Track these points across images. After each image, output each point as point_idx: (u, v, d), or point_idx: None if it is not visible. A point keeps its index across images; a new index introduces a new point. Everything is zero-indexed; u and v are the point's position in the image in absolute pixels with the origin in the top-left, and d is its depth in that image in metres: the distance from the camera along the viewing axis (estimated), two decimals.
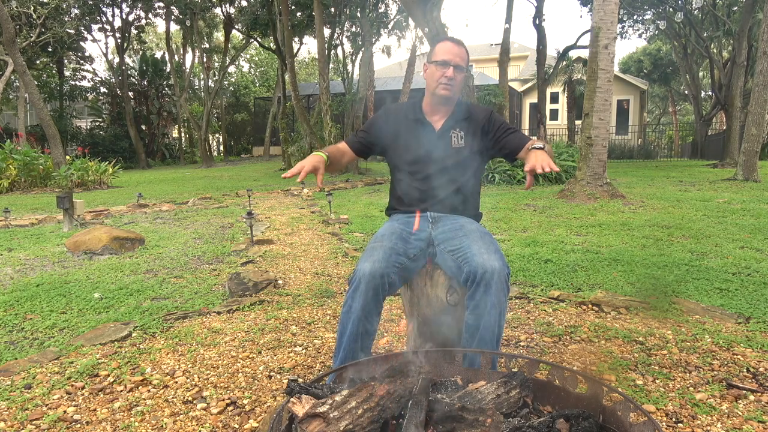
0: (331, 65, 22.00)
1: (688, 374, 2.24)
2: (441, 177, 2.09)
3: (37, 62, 24.31)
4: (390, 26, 21.24)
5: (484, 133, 2.11)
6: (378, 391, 1.23)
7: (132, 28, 26.00)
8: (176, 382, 2.28)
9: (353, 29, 21.36)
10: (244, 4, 22.69)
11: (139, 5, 24.31)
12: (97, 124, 28.32)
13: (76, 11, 23.08)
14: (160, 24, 41.40)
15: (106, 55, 26.46)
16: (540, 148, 1.81)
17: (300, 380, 1.62)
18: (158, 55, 30.33)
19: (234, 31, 24.87)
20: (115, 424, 1.95)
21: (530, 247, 4.73)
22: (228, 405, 2.08)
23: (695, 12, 19.29)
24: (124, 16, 24.78)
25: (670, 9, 19.01)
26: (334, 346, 1.97)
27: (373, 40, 18.39)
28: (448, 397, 1.35)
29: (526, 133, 23.92)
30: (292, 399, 1.24)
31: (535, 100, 22.42)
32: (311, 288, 3.71)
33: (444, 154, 2.08)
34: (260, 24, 21.19)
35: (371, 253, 1.87)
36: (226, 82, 33.23)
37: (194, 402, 2.11)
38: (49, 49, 23.53)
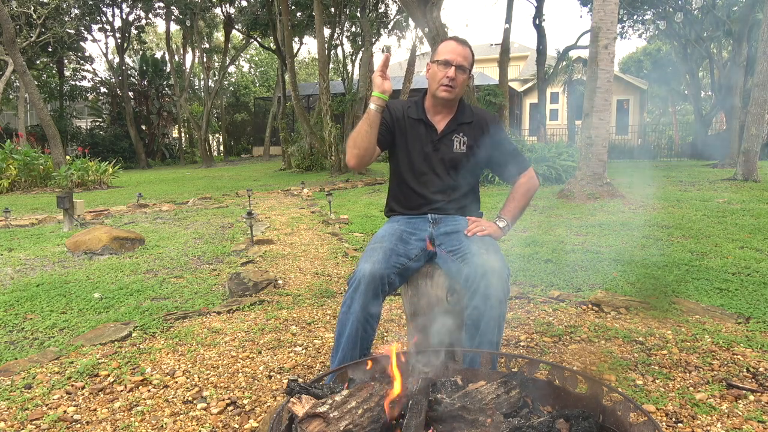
0: (331, 65, 22.01)
1: (688, 374, 2.24)
2: (441, 179, 2.08)
3: (37, 62, 24.30)
4: (390, 26, 21.26)
5: (485, 144, 2.10)
6: (378, 391, 1.23)
7: (132, 28, 26.01)
8: (176, 382, 2.28)
9: (353, 29, 21.37)
10: (244, 4, 22.71)
11: (139, 5, 24.30)
12: (97, 124, 28.33)
13: (76, 11, 23.07)
14: (160, 24, 41.42)
15: (106, 55, 26.48)
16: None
17: (300, 380, 1.62)
18: (158, 55, 30.35)
19: (234, 31, 24.87)
20: (115, 424, 1.95)
21: (530, 247, 4.73)
22: (228, 405, 2.08)
23: (695, 12, 19.28)
24: (124, 16, 24.80)
25: (670, 9, 19.01)
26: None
27: (373, 40, 18.40)
28: (448, 397, 1.35)
29: (526, 133, 23.90)
30: (292, 399, 1.25)
31: (535, 100, 22.44)
32: (311, 288, 3.71)
33: (444, 157, 2.07)
34: (260, 24, 21.20)
35: (371, 254, 1.87)
36: (226, 82, 33.24)
37: (194, 402, 2.11)
38: (49, 49, 23.53)
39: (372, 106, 1.90)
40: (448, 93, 2.00)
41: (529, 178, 2.15)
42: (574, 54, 21.63)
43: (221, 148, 35.04)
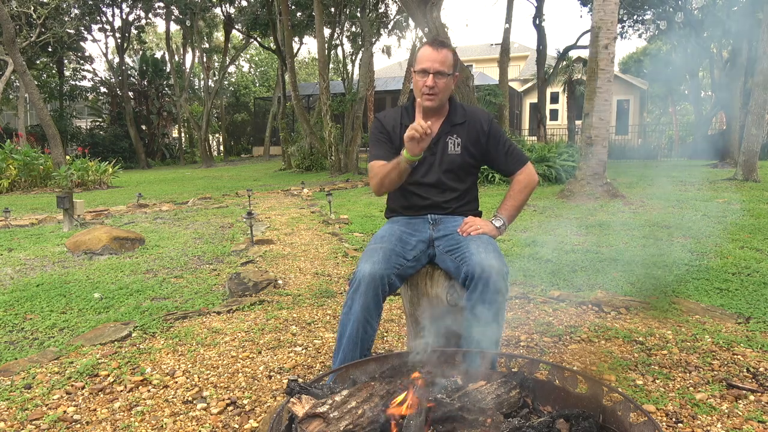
0: (331, 65, 22.00)
1: (688, 374, 2.24)
2: (439, 181, 2.08)
3: (37, 62, 24.29)
4: (390, 26, 21.24)
5: (480, 143, 2.10)
6: (378, 391, 1.23)
7: (132, 28, 25.99)
8: (176, 382, 2.28)
9: (353, 29, 21.36)
10: (244, 4, 22.69)
11: (139, 5, 24.29)
12: (97, 124, 28.32)
13: (76, 11, 23.06)
14: (160, 24, 41.40)
15: (106, 55, 26.46)
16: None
17: (300, 380, 1.62)
18: (158, 55, 30.34)
19: (234, 31, 24.86)
20: (115, 424, 1.95)
21: (530, 247, 4.73)
22: (228, 405, 2.08)
23: (695, 12, 19.28)
24: (124, 16, 24.78)
25: (670, 9, 19.01)
26: (334, 346, 1.97)
27: (373, 40, 18.39)
28: (448, 397, 1.35)
29: (526, 133, 23.89)
30: (292, 399, 1.24)
31: (535, 100, 22.43)
32: (311, 288, 3.71)
33: (441, 160, 2.08)
34: (260, 24, 21.18)
35: (371, 254, 1.87)
36: (226, 82, 33.22)
37: (194, 402, 2.11)
38: (49, 49, 23.51)
39: (404, 163, 1.90)
40: (431, 101, 2.00)
41: (526, 174, 2.15)
42: (574, 54, 21.62)
43: (221, 148, 35.04)
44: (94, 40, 43.87)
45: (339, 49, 22.39)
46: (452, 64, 2.01)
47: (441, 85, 1.98)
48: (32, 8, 19.55)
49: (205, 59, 26.84)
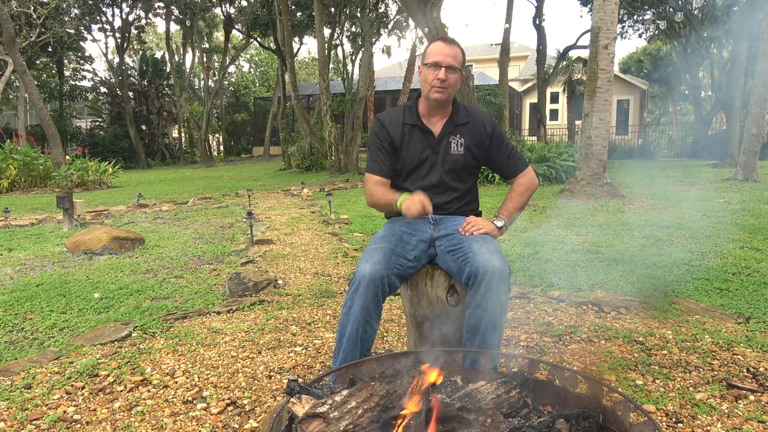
0: (331, 65, 21.99)
1: (688, 374, 2.24)
2: (440, 181, 2.08)
3: (37, 62, 24.28)
4: (390, 26, 21.24)
5: (483, 144, 2.11)
6: (378, 391, 1.23)
7: (132, 28, 25.99)
8: (176, 382, 2.28)
9: (353, 29, 21.36)
10: (244, 4, 22.69)
11: (139, 5, 24.29)
12: (97, 124, 28.32)
13: (76, 11, 23.06)
14: (160, 24, 41.40)
15: (106, 55, 26.46)
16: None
17: (300, 380, 1.62)
18: (158, 55, 30.34)
19: (234, 31, 24.86)
20: (115, 424, 1.95)
21: (530, 247, 4.73)
22: (228, 405, 2.08)
23: (695, 12, 19.27)
24: (124, 16, 24.78)
25: (670, 9, 19.00)
26: (334, 346, 1.97)
27: (373, 40, 18.38)
28: (448, 397, 1.35)
29: (526, 133, 23.89)
30: (292, 399, 1.24)
31: (535, 100, 22.43)
32: (311, 288, 3.71)
33: (443, 159, 2.08)
34: (260, 24, 21.18)
35: (371, 254, 1.87)
36: (226, 82, 33.21)
37: (194, 402, 2.11)
38: (49, 49, 23.50)
39: (397, 209, 1.98)
40: (440, 94, 2.00)
41: (528, 178, 2.16)
42: (574, 54, 21.62)
43: (221, 148, 35.03)
44: (94, 40, 43.96)
45: (339, 49, 22.40)
46: (462, 61, 2.03)
47: (452, 80, 1.99)
48: (32, 8, 19.54)
49: (205, 59, 26.84)
